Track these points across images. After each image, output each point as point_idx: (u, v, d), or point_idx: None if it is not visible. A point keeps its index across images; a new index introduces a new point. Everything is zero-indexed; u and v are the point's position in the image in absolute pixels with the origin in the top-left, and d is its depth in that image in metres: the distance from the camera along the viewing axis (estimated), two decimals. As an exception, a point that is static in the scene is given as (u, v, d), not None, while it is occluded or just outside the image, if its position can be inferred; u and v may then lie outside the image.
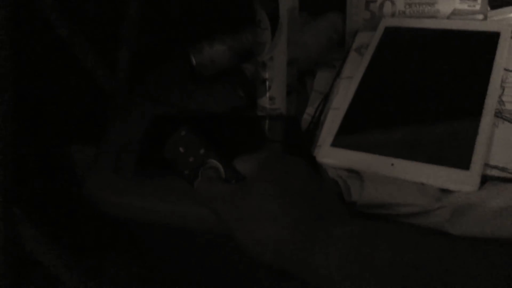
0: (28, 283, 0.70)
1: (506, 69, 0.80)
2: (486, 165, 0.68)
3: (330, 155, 0.75)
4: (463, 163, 0.67)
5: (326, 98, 0.89)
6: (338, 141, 0.77)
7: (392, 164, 0.70)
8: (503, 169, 0.68)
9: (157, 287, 0.83)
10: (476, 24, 0.89)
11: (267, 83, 0.83)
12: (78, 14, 1.01)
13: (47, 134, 0.78)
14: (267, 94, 0.84)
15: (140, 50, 1.06)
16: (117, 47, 1.04)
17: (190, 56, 0.98)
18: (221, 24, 1.03)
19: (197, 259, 0.81)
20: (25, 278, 0.67)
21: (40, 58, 0.97)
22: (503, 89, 0.78)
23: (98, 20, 1.04)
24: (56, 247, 0.70)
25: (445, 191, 0.67)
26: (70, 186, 0.76)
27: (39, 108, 0.83)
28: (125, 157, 0.74)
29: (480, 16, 0.94)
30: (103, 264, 0.79)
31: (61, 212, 0.75)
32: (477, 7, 0.93)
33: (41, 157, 0.77)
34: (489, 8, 0.95)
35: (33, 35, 0.93)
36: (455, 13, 0.95)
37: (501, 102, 0.76)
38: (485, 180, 0.67)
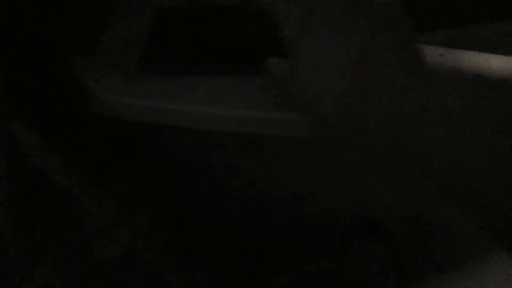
0: (36, 197, 0.66)
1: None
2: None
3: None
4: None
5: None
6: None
7: (441, 55, 0.64)
8: None
9: (159, 200, 0.81)
10: None
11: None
12: None
13: (45, 44, 0.71)
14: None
15: None
16: None
17: None
18: None
19: (205, 167, 0.78)
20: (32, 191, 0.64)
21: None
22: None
23: None
24: (59, 157, 0.66)
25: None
26: (71, 96, 0.71)
27: (34, 17, 0.76)
28: (128, 55, 0.68)
29: None
30: (104, 178, 0.76)
31: (61, 122, 0.71)
32: None
33: (40, 68, 0.71)
34: None
35: None
36: None
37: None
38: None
